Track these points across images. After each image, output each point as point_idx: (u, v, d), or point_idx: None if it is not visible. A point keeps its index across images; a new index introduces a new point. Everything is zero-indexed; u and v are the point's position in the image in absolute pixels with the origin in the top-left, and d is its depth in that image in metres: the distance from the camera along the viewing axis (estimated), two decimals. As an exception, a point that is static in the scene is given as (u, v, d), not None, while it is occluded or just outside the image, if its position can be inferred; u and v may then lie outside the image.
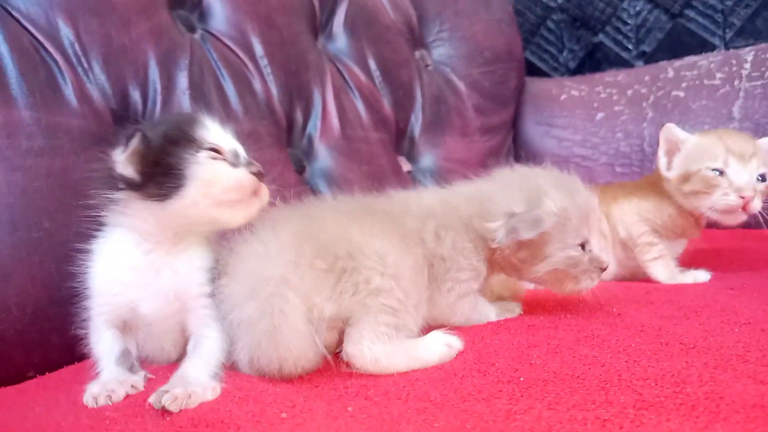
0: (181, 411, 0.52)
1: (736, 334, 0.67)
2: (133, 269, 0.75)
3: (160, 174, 0.71)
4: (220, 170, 0.73)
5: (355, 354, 0.65)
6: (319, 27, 1.66)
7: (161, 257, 0.75)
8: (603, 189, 1.20)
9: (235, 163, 0.74)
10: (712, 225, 1.66)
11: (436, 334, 0.71)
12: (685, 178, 1.10)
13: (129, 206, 0.75)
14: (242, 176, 0.74)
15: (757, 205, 1.06)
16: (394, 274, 0.70)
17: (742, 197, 1.04)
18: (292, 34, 1.54)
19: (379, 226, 0.75)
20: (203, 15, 1.42)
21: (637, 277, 1.13)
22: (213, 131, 0.77)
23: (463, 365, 0.62)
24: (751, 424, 0.45)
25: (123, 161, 0.72)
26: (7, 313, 0.93)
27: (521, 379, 0.57)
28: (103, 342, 0.73)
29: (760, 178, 1.06)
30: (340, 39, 1.70)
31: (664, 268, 1.10)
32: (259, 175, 0.75)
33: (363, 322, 0.66)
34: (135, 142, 0.71)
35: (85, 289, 0.80)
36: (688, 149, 1.11)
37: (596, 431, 0.46)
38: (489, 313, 0.84)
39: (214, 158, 0.73)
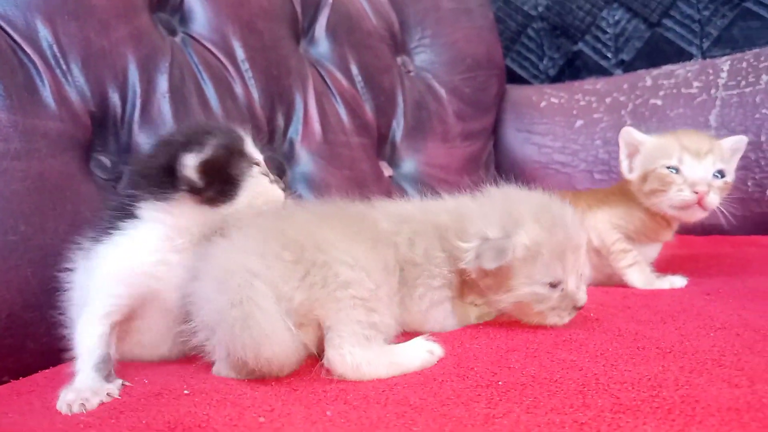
0: (157, 414, 0.51)
1: (712, 339, 0.68)
2: (163, 263, 0.78)
3: (220, 182, 0.78)
4: (265, 185, 0.82)
5: (336, 359, 0.65)
6: (301, 32, 1.66)
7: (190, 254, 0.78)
8: (576, 195, 1.22)
9: (271, 180, 0.84)
10: (689, 230, 1.70)
11: (417, 341, 0.70)
12: (644, 178, 1.12)
13: (179, 206, 0.79)
14: (279, 193, 0.84)
15: (713, 200, 1.06)
16: (364, 267, 0.69)
17: (696, 192, 1.05)
18: (274, 39, 1.53)
19: (350, 227, 0.75)
20: (184, 18, 1.41)
21: (612, 281, 1.14)
22: (252, 146, 0.86)
23: (443, 370, 0.62)
24: (726, 426, 0.46)
25: (193, 166, 0.76)
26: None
27: (500, 383, 0.57)
28: (89, 341, 0.72)
29: (717, 175, 1.07)
30: (322, 44, 1.70)
31: (639, 274, 1.10)
32: (285, 192, 0.86)
33: (340, 324, 0.66)
34: (209, 151, 0.77)
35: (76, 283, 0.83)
36: (646, 150, 1.13)
37: (574, 434, 0.46)
38: (468, 316, 0.82)
39: (262, 173, 0.83)
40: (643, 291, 1.04)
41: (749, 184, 1.68)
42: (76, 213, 1.07)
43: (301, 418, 0.51)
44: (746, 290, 0.93)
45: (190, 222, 0.79)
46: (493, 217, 0.77)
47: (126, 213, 0.82)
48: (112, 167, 1.20)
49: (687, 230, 1.70)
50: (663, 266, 1.18)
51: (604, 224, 1.14)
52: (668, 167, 1.08)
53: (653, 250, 1.18)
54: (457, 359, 0.65)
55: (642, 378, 0.56)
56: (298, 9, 1.64)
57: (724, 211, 1.11)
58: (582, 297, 0.76)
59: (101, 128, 1.19)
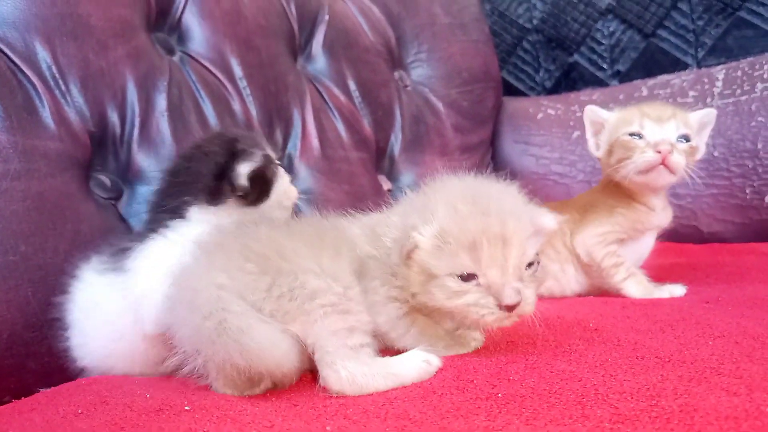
0: (158, 431, 0.51)
1: (711, 347, 0.68)
2: None
3: (261, 185, 0.89)
4: (288, 183, 0.95)
5: (331, 377, 0.65)
6: (298, 48, 1.68)
7: None
8: (563, 206, 1.22)
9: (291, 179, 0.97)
10: (687, 238, 1.70)
11: (414, 352, 0.70)
12: (610, 150, 1.13)
13: (227, 208, 0.89)
14: (294, 190, 0.97)
15: (677, 159, 1.05)
16: (329, 273, 0.69)
17: (659, 152, 1.04)
18: (271, 56, 1.55)
19: (312, 235, 0.75)
20: (182, 37, 1.42)
21: (602, 290, 1.15)
22: (270, 149, 0.96)
23: (442, 383, 0.62)
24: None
25: (245, 175, 0.86)
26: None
27: (499, 395, 0.57)
28: None
29: (682, 139, 1.07)
30: (319, 60, 1.71)
31: (637, 286, 1.10)
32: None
33: (321, 339, 0.66)
34: (257, 161, 0.88)
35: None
36: (610, 124, 1.15)
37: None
38: (435, 341, 0.75)
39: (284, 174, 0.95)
40: (642, 300, 1.04)
41: (747, 191, 1.68)
42: (76, 232, 1.07)
43: (301, 434, 0.51)
44: (745, 298, 0.93)
45: (231, 220, 0.86)
46: (413, 210, 0.73)
47: (174, 215, 0.89)
48: (112, 186, 1.20)
49: (685, 238, 1.71)
50: (662, 275, 1.18)
51: (589, 242, 1.13)
52: (631, 134, 1.09)
53: (646, 245, 1.18)
54: (456, 372, 0.65)
55: (641, 388, 0.56)
56: (295, 26, 1.65)
57: (693, 176, 1.10)
58: (508, 294, 0.67)
59: (100, 147, 1.20)
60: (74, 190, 1.11)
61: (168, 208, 0.90)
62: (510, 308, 0.67)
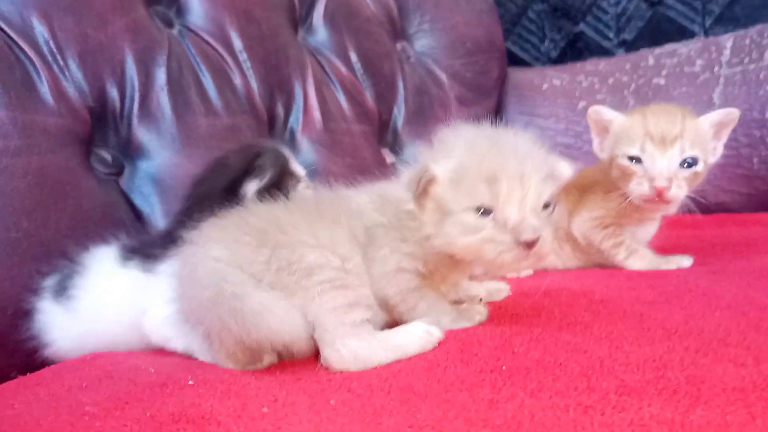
0: (161, 405, 0.51)
1: (717, 318, 0.67)
2: None
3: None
4: None
5: (332, 356, 0.64)
6: (299, 20, 1.65)
7: None
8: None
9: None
10: (693, 209, 1.69)
11: (416, 323, 0.70)
12: (610, 162, 1.06)
13: None
14: None
15: (676, 194, 0.99)
16: (326, 245, 0.69)
17: (655, 187, 0.98)
18: (272, 28, 1.53)
19: (311, 207, 0.75)
20: (181, 10, 1.40)
21: (603, 265, 1.12)
22: (296, 164, 1.00)
23: (447, 355, 0.62)
24: (732, 407, 0.46)
25: (252, 192, 0.88)
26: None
27: (504, 368, 0.57)
28: None
29: (688, 163, 0.99)
30: (320, 32, 1.69)
31: (641, 260, 1.07)
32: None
33: (320, 317, 0.65)
34: (266, 177, 0.90)
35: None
36: (614, 131, 1.06)
37: (578, 418, 0.46)
38: (441, 314, 0.74)
39: (306, 188, 0.97)
40: (648, 272, 1.03)
41: (755, 161, 1.67)
42: (77, 208, 1.07)
43: (305, 408, 0.51)
44: (752, 269, 0.92)
45: None
46: (433, 151, 0.73)
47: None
48: (113, 161, 1.20)
49: (691, 209, 1.70)
50: (668, 246, 1.17)
51: (585, 225, 1.10)
52: (630, 157, 1.02)
53: (648, 231, 1.13)
54: (461, 344, 0.65)
55: (647, 359, 0.56)
56: (296, -4, 1.63)
57: (697, 198, 1.05)
58: (527, 229, 0.65)
59: (100, 123, 1.19)
60: (75, 166, 1.10)
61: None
62: (529, 245, 0.65)
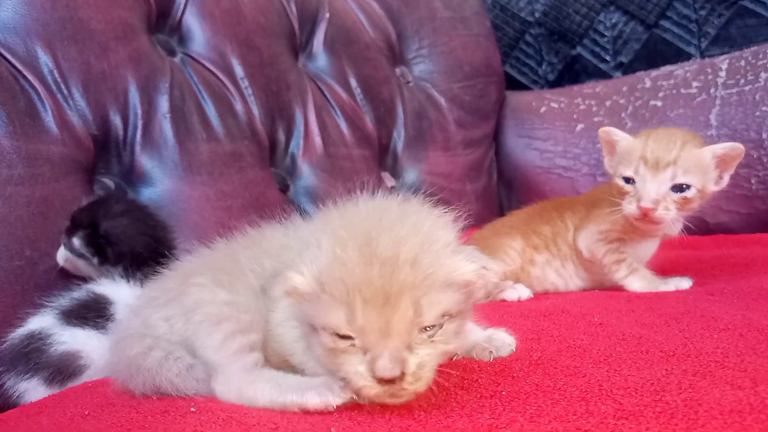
0: (163, 429, 0.52)
1: (715, 340, 0.68)
2: None
3: None
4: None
5: (217, 387, 0.64)
6: (299, 47, 1.68)
7: None
8: (571, 203, 1.21)
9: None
10: (692, 230, 1.69)
11: (323, 378, 0.61)
12: (612, 180, 1.11)
13: None
14: None
15: (662, 215, 1.02)
16: (218, 283, 0.68)
17: (640, 208, 1.02)
18: (272, 55, 1.55)
19: (220, 256, 0.75)
20: (183, 39, 1.43)
21: (605, 285, 1.14)
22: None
23: (447, 381, 0.62)
24: (729, 429, 0.46)
25: None
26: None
27: (503, 393, 0.57)
28: None
29: (680, 188, 1.02)
30: (320, 58, 1.72)
31: (640, 281, 1.09)
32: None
33: (206, 353, 0.66)
34: None
35: None
36: (619, 151, 1.10)
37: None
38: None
39: None
40: (647, 294, 1.04)
41: (753, 181, 1.67)
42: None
43: (306, 434, 0.51)
44: (750, 290, 0.93)
45: None
46: (303, 243, 0.62)
47: None
48: (116, 188, 1.21)
49: (691, 229, 1.70)
50: (668, 267, 1.18)
51: (590, 239, 1.12)
52: (624, 177, 1.06)
53: (648, 248, 1.16)
54: (461, 370, 0.65)
55: (645, 382, 0.56)
56: (296, 24, 1.65)
57: (697, 218, 1.08)
58: (382, 365, 0.53)
59: (104, 150, 1.21)
60: (78, 194, 1.12)
61: None
62: (386, 382, 0.53)
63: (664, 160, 1.02)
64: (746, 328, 0.71)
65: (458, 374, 0.62)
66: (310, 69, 1.69)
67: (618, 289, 1.10)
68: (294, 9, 1.66)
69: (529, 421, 0.51)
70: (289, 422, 0.54)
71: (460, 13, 2.10)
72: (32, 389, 0.86)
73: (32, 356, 0.87)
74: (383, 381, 0.53)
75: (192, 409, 0.58)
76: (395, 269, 0.54)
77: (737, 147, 1.05)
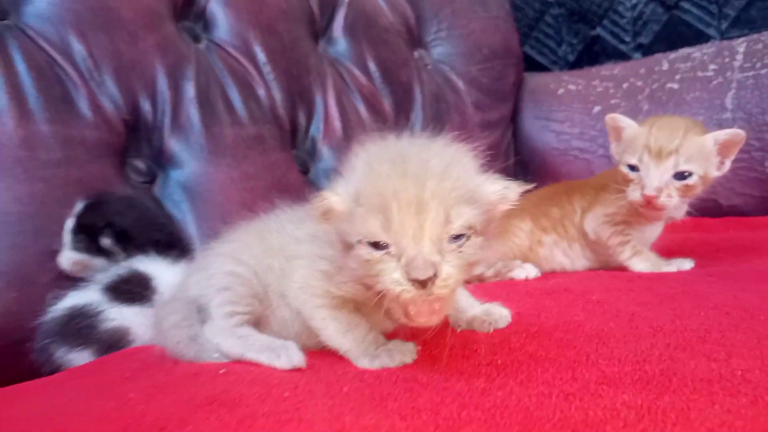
0: (197, 391, 0.59)
1: (701, 318, 0.72)
2: None
3: None
4: None
5: (207, 332, 0.75)
6: (320, 32, 1.72)
7: None
8: (581, 187, 1.25)
9: None
10: (705, 212, 1.71)
11: (279, 342, 0.70)
12: (618, 166, 1.14)
13: None
14: None
15: (665, 202, 1.06)
16: (235, 255, 0.77)
17: (644, 195, 1.06)
18: (293, 40, 1.60)
19: (246, 228, 0.83)
20: (207, 25, 1.48)
21: (611, 265, 1.18)
22: None
23: (450, 351, 0.68)
24: (696, 395, 0.51)
25: None
26: (32, 316, 0.99)
27: (498, 361, 0.63)
28: None
29: (681, 175, 1.06)
30: (340, 42, 1.76)
31: (644, 262, 1.13)
32: None
33: (210, 308, 0.76)
34: None
35: None
36: (624, 138, 1.14)
37: (560, 402, 0.52)
38: (352, 344, 0.70)
39: None
40: (650, 274, 1.08)
41: (766, 165, 1.68)
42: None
43: (321, 394, 0.58)
44: (750, 271, 0.97)
45: None
46: (347, 170, 0.66)
47: None
48: (146, 170, 1.28)
49: (705, 212, 1.72)
50: (675, 249, 1.22)
51: (596, 221, 1.17)
52: (629, 165, 1.10)
53: (653, 231, 1.19)
54: (463, 341, 0.71)
55: (629, 354, 0.62)
56: (316, 9, 1.70)
57: (702, 206, 1.13)
58: (418, 266, 0.57)
59: (134, 134, 1.28)
60: (111, 175, 1.19)
61: None
62: (422, 284, 0.57)
63: (666, 149, 1.06)
64: (734, 307, 0.75)
65: (461, 345, 0.68)
66: (329, 53, 1.73)
67: (622, 269, 1.15)
68: (315, -6, 1.70)
69: (519, 386, 0.56)
70: (307, 383, 0.61)
71: (480, -5, 2.12)
72: (81, 360, 0.92)
73: (84, 331, 0.93)
74: (417, 283, 0.57)
75: (221, 371, 0.65)
76: (426, 180, 0.58)
77: (738, 133, 1.08)
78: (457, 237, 0.59)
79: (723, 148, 1.09)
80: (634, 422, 0.47)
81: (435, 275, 0.57)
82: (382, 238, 0.59)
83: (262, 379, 0.62)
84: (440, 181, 0.59)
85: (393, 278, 0.58)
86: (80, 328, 0.93)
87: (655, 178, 1.06)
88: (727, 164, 1.11)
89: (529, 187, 0.66)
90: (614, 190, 1.15)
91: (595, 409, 0.50)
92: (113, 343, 0.93)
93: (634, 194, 1.09)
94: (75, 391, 0.69)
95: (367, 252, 0.60)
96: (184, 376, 0.65)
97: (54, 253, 1.06)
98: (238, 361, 0.70)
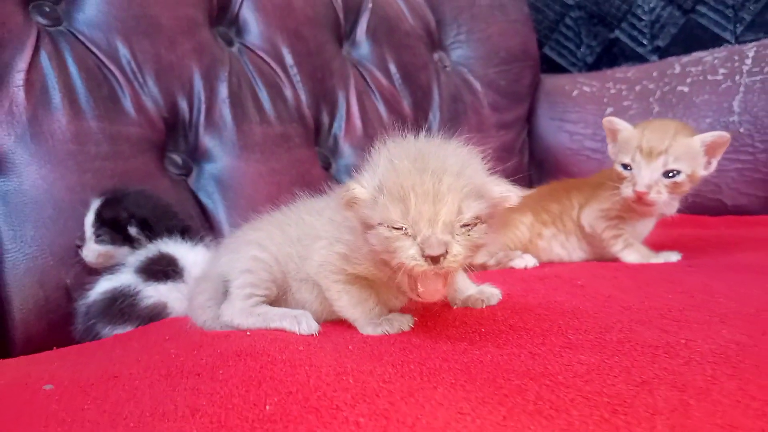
0: (227, 347, 0.71)
1: (669, 300, 0.82)
2: None
3: None
4: None
5: (223, 308, 0.87)
6: (344, 36, 1.83)
7: None
8: (578, 186, 1.35)
9: None
10: (706, 210, 1.78)
11: (289, 311, 0.84)
12: (614, 165, 1.23)
13: None
14: None
15: (655, 198, 1.15)
16: (259, 242, 0.88)
17: (635, 191, 1.15)
18: (319, 44, 1.71)
19: (270, 218, 0.94)
20: (239, 30, 1.60)
21: (604, 258, 1.27)
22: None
23: (444, 322, 0.79)
24: (642, 357, 0.61)
25: None
26: (80, 292, 1.12)
27: (483, 330, 0.74)
28: None
29: (671, 174, 1.15)
30: (363, 46, 1.86)
31: (634, 254, 1.22)
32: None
33: (232, 287, 0.88)
34: None
35: None
36: (620, 139, 1.23)
37: (526, 360, 0.62)
38: (361, 315, 0.82)
39: None
40: (636, 265, 1.17)
41: (772, 165, 1.74)
42: (156, 204, 1.27)
43: (330, 349, 0.69)
44: (728, 263, 1.05)
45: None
46: (370, 165, 0.77)
47: None
48: (183, 164, 1.40)
49: (711, 211, 1.79)
50: (669, 243, 1.30)
51: (592, 215, 1.26)
52: (623, 164, 1.19)
53: (645, 227, 1.28)
54: (455, 314, 0.82)
55: (595, 326, 0.72)
56: (341, 15, 1.80)
57: (678, 206, 1.21)
58: (430, 243, 0.67)
59: (172, 131, 1.40)
60: (152, 168, 1.31)
61: None
62: (434, 259, 0.67)
63: (657, 149, 1.15)
64: (699, 291, 0.85)
65: (453, 317, 0.79)
66: (353, 56, 1.84)
67: (615, 260, 1.24)
68: (339, 0, 1.81)
69: (496, 347, 0.67)
70: (319, 342, 0.73)
71: (499, 1, 2.19)
72: None
73: (126, 309, 1.04)
74: (430, 258, 0.67)
75: (248, 332, 0.78)
76: (443, 176, 0.69)
77: (723, 135, 1.16)
78: (466, 225, 0.70)
79: (710, 149, 1.17)
80: (583, 374, 0.57)
81: (446, 252, 0.67)
82: (401, 222, 0.69)
83: (282, 338, 0.73)
84: (456, 178, 0.69)
85: (409, 254, 0.68)
86: (123, 307, 1.05)
87: (646, 176, 1.15)
88: (714, 164, 1.20)
89: (530, 191, 0.76)
90: (610, 188, 1.24)
91: (554, 365, 0.60)
92: (153, 317, 1.05)
93: (626, 190, 1.18)
94: (123, 349, 0.82)
95: (386, 231, 0.70)
96: (216, 336, 0.78)
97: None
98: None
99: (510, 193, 0.74)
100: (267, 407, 0.53)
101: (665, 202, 1.18)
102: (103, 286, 1.09)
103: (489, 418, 0.47)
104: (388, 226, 0.70)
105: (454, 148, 0.76)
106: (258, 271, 0.87)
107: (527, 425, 0.46)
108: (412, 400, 0.51)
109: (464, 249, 0.69)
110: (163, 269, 1.09)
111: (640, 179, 1.16)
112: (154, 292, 1.07)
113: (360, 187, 0.73)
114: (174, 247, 1.14)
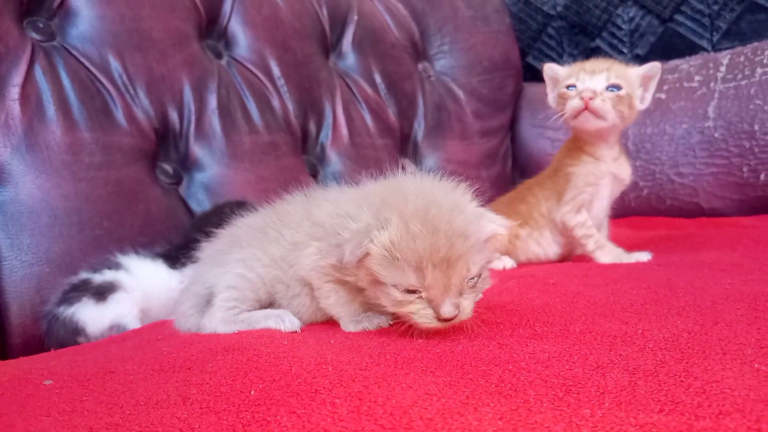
0: (215, 339, 0.76)
1: (633, 295, 0.87)
2: None
3: None
4: None
5: (204, 320, 0.90)
6: (330, 47, 1.88)
7: None
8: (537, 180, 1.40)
9: None
10: (686, 214, 1.83)
11: (272, 311, 0.88)
12: (557, 100, 1.29)
13: None
14: None
15: (599, 105, 1.19)
16: (245, 259, 0.91)
17: (582, 98, 1.19)
18: (306, 56, 1.76)
19: (256, 221, 0.98)
20: (228, 43, 1.65)
21: (578, 251, 1.33)
22: None
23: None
24: (599, 345, 0.66)
25: None
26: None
27: (456, 324, 0.79)
28: None
29: (612, 89, 1.20)
30: (349, 57, 1.91)
31: (607, 255, 1.26)
32: None
33: (215, 299, 0.91)
34: None
35: None
36: (561, 77, 1.29)
37: (494, 349, 0.67)
38: (344, 313, 0.86)
39: None
40: (610, 264, 1.22)
41: (744, 170, 1.80)
42: (147, 211, 1.32)
43: (313, 343, 0.74)
44: (694, 262, 1.10)
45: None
46: (369, 210, 0.77)
47: None
48: (174, 173, 1.45)
49: (687, 213, 1.84)
50: (641, 244, 1.36)
51: (561, 211, 1.30)
52: (568, 86, 1.25)
53: (601, 205, 1.32)
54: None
55: (560, 318, 0.77)
56: (327, 27, 1.86)
57: (618, 122, 1.24)
58: (446, 310, 0.72)
59: (163, 141, 1.45)
60: (144, 177, 1.36)
61: None
62: (447, 320, 0.73)
63: (599, 68, 1.22)
64: (660, 287, 0.90)
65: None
66: (339, 67, 1.89)
67: (590, 260, 1.29)
68: (326, 12, 1.86)
69: (467, 339, 0.72)
70: (302, 337, 0.78)
71: (482, 12, 2.26)
72: None
73: None
74: (444, 320, 0.73)
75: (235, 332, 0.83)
76: (453, 241, 0.72)
77: (655, 65, 1.26)
78: (473, 277, 0.75)
79: (644, 80, 1.26)
80: (544, 361, 0.62)
81: (457, 313, 0.73)
82: (416, 287, 0.73)
83: (267, 335, 0.78)
84: (463, 240, 0.73)
85: (422, 314, 0.74)
86: None
87: (591, 84, 1.21)
88: (648, 98, 1.28)
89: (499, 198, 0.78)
90: (564, 170, 1.30)
91: (519, 353, 0.65)
92: None
93: (572, 102, 1.22)
94: (119, 348, 0.86)
95: (400, 294, 0.74)
96: (206, 336, 0.83)
97: (99, 240, 1.24)
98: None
99: (500, 227, 0.79)
100: (252, 392, 0.57)
101: (611, 117, 1.21)
102: None
103: (453, 397, 0.52)
104: (401, 290, 0.74)
105: (452, 193, 0.80)
106: (244, 289, 0.91)
107: (487, 402, 0.51)
108: (384, 384, 0.56)
109: (472, 302, 0.76)
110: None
111: (584, 87, 1.21)
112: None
113: (374, 246, 0.74)
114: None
